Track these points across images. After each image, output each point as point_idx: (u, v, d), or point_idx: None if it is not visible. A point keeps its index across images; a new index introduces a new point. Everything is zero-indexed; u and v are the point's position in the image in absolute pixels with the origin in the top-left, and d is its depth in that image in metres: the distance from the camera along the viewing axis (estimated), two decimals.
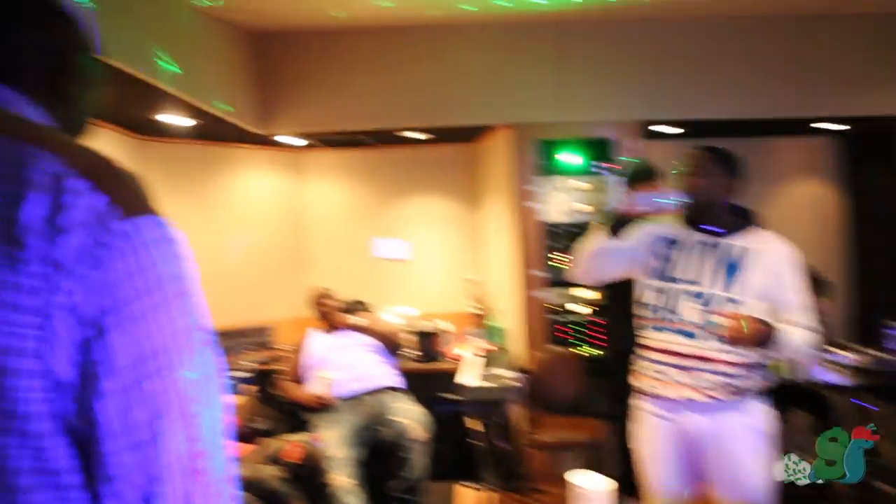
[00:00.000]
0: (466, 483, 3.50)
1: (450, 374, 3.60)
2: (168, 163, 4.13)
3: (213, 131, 3.93)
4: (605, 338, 3.76)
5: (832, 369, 2.96)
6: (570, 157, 3.90)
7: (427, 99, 3.93)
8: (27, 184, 0.66)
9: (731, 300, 2.00)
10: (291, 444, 3.05)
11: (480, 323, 4.33)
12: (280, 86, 3.99)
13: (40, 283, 0.65)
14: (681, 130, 4.38)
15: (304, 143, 4.40)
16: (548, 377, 3.57)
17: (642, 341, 2.17)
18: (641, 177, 2.87)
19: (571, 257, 2.27)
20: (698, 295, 2.03)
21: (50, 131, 0.79)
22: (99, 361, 0.68)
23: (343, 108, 3.98)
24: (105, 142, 3.65)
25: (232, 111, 3.64)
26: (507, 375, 3.21)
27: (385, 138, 4.45)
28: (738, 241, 2.08)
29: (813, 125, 4.46)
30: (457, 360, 3.94)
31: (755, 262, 2.03)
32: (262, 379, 3.81)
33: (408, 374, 3.84)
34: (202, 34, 3.39)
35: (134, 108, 3.38)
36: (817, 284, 2.99)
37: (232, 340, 4.20)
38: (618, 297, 2.60)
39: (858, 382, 2.86)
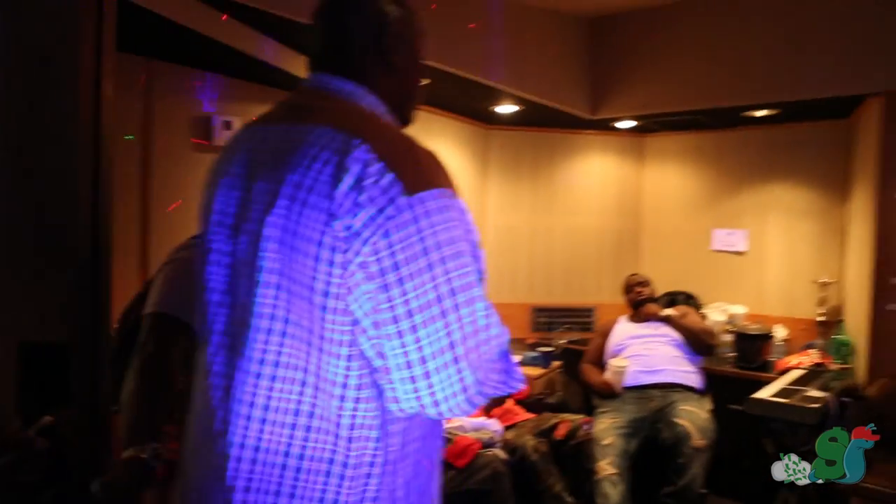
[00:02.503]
0: None
1: None
2: (508, 149, 4.50)
3: (550, 118, 4.15)
4: None
5: None
6: None
7: (774, 70, 3.42)
8: (343, 169, 0.87)
9: None
10: (563, 423, 3.12)
11: (826, 334, 3.65)
12: (610, 70, 3.98)
13: (341, 244, 0.86)
14: None
15: (632, 124, 4.29)
16: (891, 409, 2.84)
17: None
18: None
19: None
20: None
21: (372, 120, 0.97)
22: (382, 310, 0.86)
23: (676, 87, 3.76)
24: (454, 131, 4.19)
25: (561, 100, 3.81)
26: (814, 395, 2.67)
27: (728, 120, 4.04)
28: None
29: None
30: (786, 371, 3.41)
31: None
32: (569, 357, 3.91)
33: (719, 378, 3.52)
34: (529, 26, 3.61)
35: (473, 102, 3.81)
36: None
37: (555, 318, 4.40)
38: None
39: None
